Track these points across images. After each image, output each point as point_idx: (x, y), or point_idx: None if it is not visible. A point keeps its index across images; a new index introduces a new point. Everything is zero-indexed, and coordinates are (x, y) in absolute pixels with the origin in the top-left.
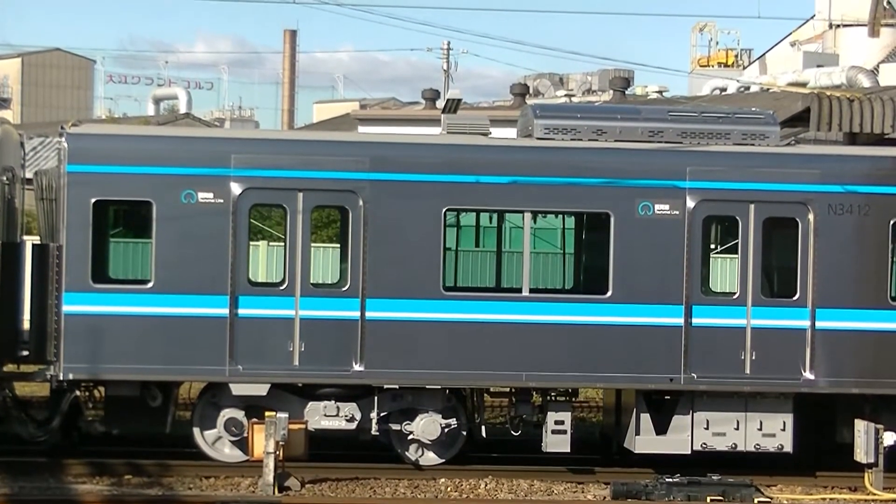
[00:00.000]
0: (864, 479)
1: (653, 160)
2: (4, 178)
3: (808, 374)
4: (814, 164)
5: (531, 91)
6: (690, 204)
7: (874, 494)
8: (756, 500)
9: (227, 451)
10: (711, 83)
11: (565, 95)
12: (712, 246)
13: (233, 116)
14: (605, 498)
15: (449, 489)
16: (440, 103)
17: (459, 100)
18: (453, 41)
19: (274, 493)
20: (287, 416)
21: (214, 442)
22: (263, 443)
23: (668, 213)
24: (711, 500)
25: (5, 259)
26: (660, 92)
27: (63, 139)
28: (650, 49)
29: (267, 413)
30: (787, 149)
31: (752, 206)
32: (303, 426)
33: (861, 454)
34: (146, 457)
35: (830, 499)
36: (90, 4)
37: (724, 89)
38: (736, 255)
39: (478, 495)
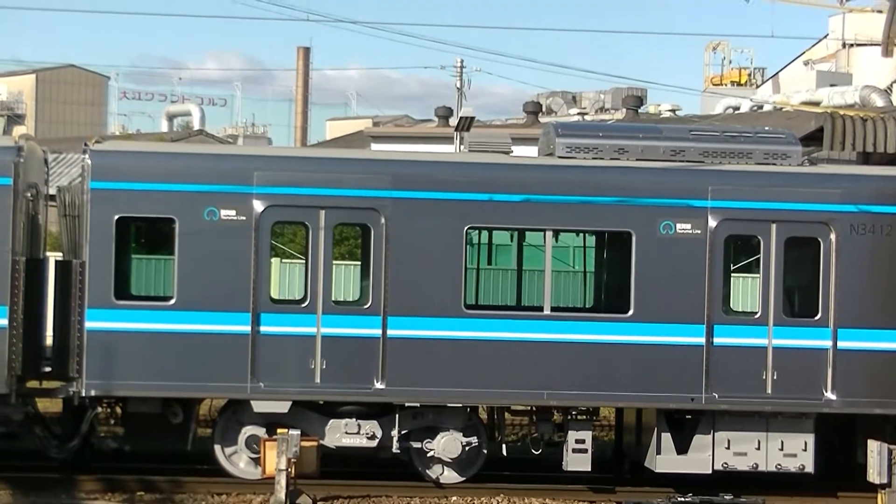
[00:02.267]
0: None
1: (675, 179)
2: (28, 195)
3: (830, 395)
4: (836, 184)
5: (544, 109)
6: (712, 223)
7: None
8: None
9: (245, 468)
10: (724, 102)
11: (578, 113)
12: (734, 265)
13: (246, 133)
14: None
15: None
16: (453, 121)
17: (473, 117)
18: (465, 59)
19: None
20: (299, 432)
21: (231, 455)
22: (276, 460)
23: (690, 232)
24: None
25: (29, 275)
26: (673, 110)
27: (86, 156)
28: (663, 67)
29: (279, 430)
30: (809, 168)
31: (773, 226)
32: (315, 443)
33: (874, 475)
34: (159, 473)
35: None
36: (100, 21)
37: (738, 108)
38: (757, 275)
39: None
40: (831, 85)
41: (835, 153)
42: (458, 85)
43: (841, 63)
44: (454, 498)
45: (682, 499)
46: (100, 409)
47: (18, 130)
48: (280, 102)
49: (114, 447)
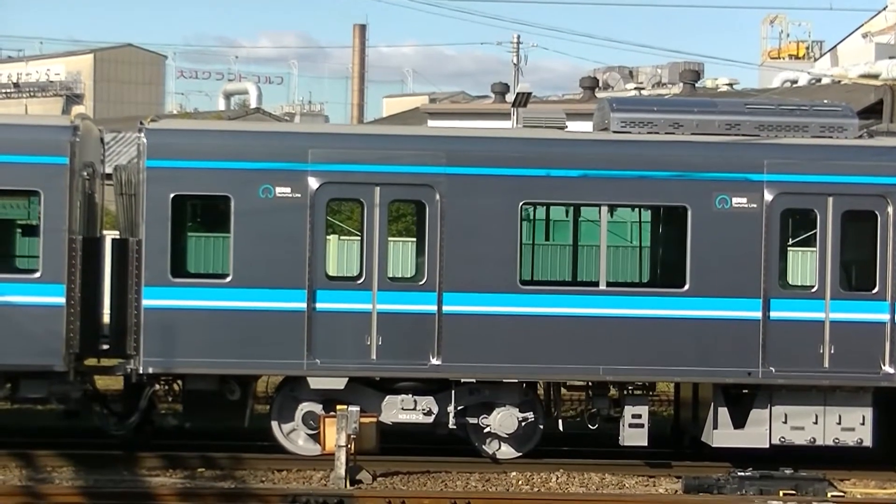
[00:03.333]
0: None
1: (730, 153)
2: (85, 174)
3: (888, 368)
4: (893, 157)
5: (601, 84)
6: (768, 197)
7: None
8: (829, 495)
9: (304, 444)
10: (782, 75)
11: (635, 88)
12: (790, 239)
13: (303, 111)
14: (676, 492)
15: (520, 482)
16: (510, 97)
17: (529, 93)
18: (522, 34)
19: (346, 486)
20: (358, 409)
21: (289, 433)
22: (335, 436)
23: (746, 206)
24: (784, 495)
25: (86, 253)
26: (730, 84)
27: (142, 134)
28: (720, 41)
29: (338, 406)
30: (865, 141)
31: (830, 200)
32: (374, 419)
33: None
34: (219, 450)
35: None
36: (156, 0)
37: (795, 81)
38: (814, 249)
39: (549, 489)
40: (890, 57)
41: (894, 126)
42: (515, 61)
43: None
44: (513, 473)
45: (743, 473)
46: (157, 387)
47: (77, 110)
48: (336, 80)
49: (174, 424)
